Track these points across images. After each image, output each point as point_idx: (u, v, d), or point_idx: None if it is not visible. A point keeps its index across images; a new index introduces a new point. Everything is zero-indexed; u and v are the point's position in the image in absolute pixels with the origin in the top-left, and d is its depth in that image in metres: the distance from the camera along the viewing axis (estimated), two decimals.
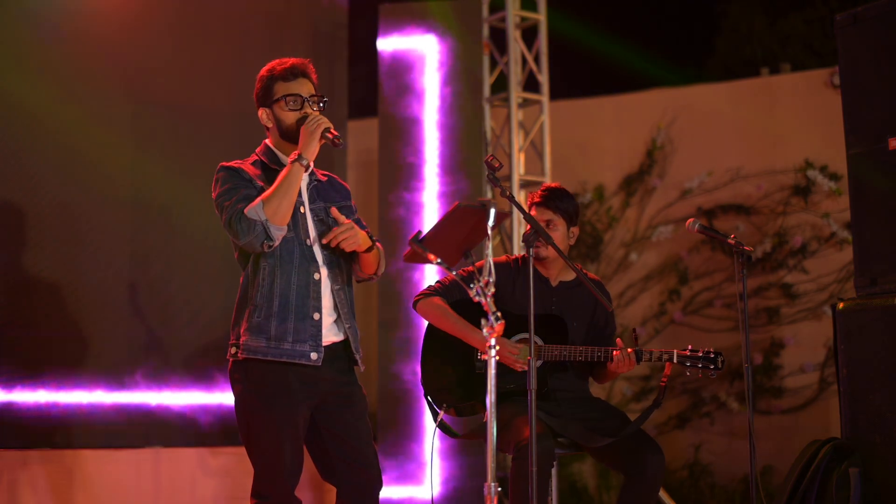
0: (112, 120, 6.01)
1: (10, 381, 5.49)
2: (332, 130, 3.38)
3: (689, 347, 4.02)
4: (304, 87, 3.48)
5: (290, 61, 3.49)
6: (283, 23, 6.82)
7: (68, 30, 5.92)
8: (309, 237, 3.45)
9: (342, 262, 3.50)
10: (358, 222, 3.63)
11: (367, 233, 3.53)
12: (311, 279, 3.41)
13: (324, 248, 3.46)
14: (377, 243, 3.56)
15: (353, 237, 3.41)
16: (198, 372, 6.04)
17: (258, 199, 3.29)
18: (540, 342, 4.10)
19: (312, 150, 3.36)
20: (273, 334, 3.35)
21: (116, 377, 5.82)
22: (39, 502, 5.37)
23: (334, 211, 3.46)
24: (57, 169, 5.79)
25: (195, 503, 5.86)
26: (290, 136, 3.46)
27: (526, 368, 4.05)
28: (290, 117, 3.45)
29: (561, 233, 4.20)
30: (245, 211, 3.27)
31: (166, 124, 6.20)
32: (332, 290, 3.45)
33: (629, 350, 3.98)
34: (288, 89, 3.45)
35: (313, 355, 3.37)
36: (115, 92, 6.03)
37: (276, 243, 3.33)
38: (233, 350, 3.42)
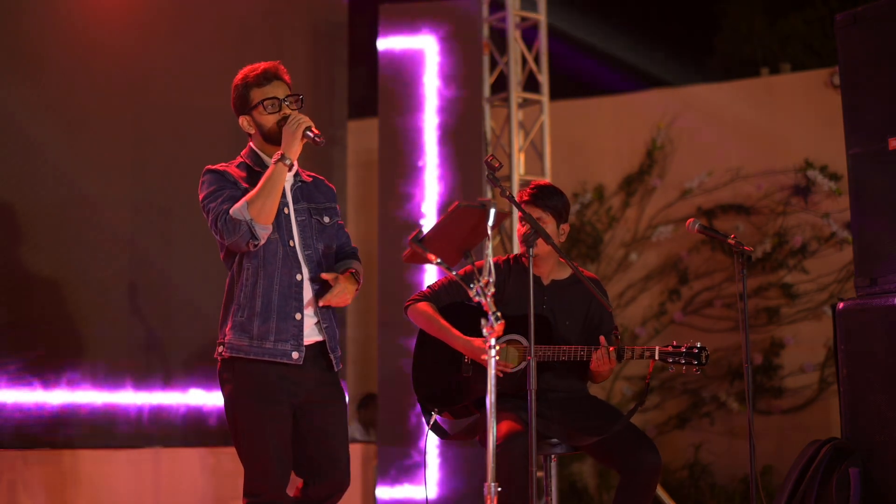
0: (112, 120, 6.01)
1: (10, 381, 5.49)
2: (313, 129, 3.43)
3: (673, 343, 3.98)
4: (280, 90, 3.53)
5: (261, 66, 3.54)
6: (283, 23, 6.82)
7: (68, 30, 5.92)
8: (292, 238, 3.51)
9: (324, 263, 3.56)
10: (340, 228, 3.70)
11: (351, 272, 3.56)
12: (294, 280, 3.47)
13: (306, 248, 3.52)
14: (358, 268, 3.61)
15: (346, 295, 3.47)
16: (198, 372, 6.04)
17: (243, 200, 3.35)
18: (525, 343, 4.11)
19: (295, 149, 3.42)
20: (255, 333, 3.41)
21: (116, 377, 5.82)
22: (39, 502, 5.37)
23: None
24: (57, 169, 5.79)
25: (195, 503, 5.86)
26: (272, 138, 3.51)
27: (508, 371, 4.07)
28: (269, 120, 3.51)
29: (550, 230, 4.19)
30: (230, 211, 3.33)
31: (166, 124, 6.20)
32: (313, 291, 3.50)
33: (611, 348, 3.98)
34: (264, 94, 3.50)
35: (295, 354, 3.43)
36: (115, 92, 6.03)
37: (262, 242, 3.38)
38: (220, 348, 3.48)
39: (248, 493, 3.42)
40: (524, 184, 6.84)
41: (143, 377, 5.94)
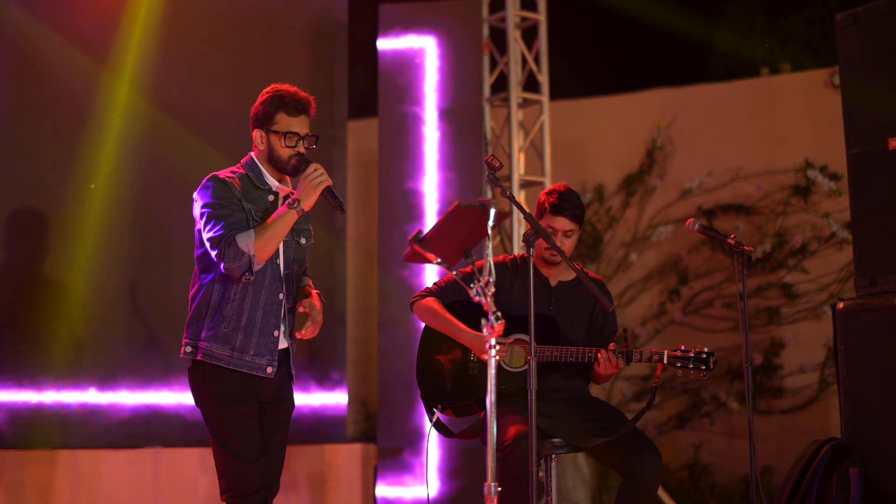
0: (112, 120, 6.01)
1: (10, 381, 5.49)
2: (334, 192, 3.52)
3: (682, 348, 3.99)
4: (304, 126, 3.58)
5: (297, 94, 3.58)
6: (283, 23, 6.81)
7: (68, 30, 5.92)
8: (279, 257, 3.61)
9: (293, 281, 3.68)
10: (308, 248, 3.77)
11: (317, 293, 3.74)
12: (277, 298, 3.60)
13: (287, 268, 3.64)
14: (313, 285, 3.80)
15: (319, 326, 3.67)
16: None
17: (252, 234, 3.41)
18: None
19: (311, 201, 3.51)
20: (237, 346, 3.53)
21: (116, 377, 5.82)
22: (39, 502, 5.37)
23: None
24: (57, 169, 5.79)
25: (195, 503, 5.86)
26: (278, 165, 3.59)
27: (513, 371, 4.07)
28: (285, 153, 3.57)
29: (575, 239, 4.19)
30: (236, 238, 3.40)
31: (166, 125, 6.20)
32: (286, 309, 3.64)
33: (620, 350, 3.98)
34: (289, 126, 3.55)
35: (269, 369, 3.58)
36: (115, 92, 6.03)
37: (253, 277, 3.48)
38: (188, 349, 3.55)
39: (226, 490, 3.51)
40: (524, 184, 6.84)
41: (143, 377, 5.94)
